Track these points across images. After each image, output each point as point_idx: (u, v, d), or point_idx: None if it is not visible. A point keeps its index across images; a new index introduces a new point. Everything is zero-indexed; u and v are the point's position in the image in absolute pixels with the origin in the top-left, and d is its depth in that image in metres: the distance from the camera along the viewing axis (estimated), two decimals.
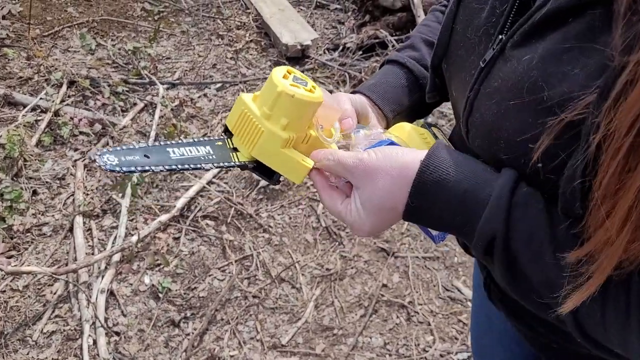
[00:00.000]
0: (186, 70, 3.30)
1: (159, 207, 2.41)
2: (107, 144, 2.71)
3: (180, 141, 0.70)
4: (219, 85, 3.18)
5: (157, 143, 0.70)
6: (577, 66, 0.50)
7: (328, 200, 0.69)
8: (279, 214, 2.45)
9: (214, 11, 3.91)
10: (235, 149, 0.71)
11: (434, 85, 0.77)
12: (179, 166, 0.68)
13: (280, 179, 0.72)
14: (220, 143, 0.71)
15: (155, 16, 3.76)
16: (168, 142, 0.70)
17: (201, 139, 0.72)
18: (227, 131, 0.72)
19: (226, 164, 0.69)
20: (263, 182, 2.56)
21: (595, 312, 0.52)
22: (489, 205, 0.56)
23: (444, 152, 0.60)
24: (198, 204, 2.45)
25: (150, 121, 2.86)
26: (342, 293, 2.14)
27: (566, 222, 0.54)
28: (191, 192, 2.45)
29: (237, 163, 0.70)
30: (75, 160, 2.61)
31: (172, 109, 2.92)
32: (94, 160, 0.65)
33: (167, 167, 0.67)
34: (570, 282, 0.52)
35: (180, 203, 2.38)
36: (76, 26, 3.51)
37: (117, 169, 0.64)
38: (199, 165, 0.69)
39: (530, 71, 0.54)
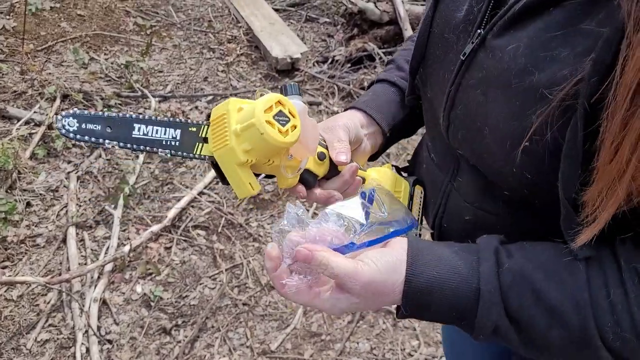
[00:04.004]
0: (178, 83, 3.36)
1: (150, 217, 2.46)
2: (100, 156, 2.76)
3: (153, 118, 0.70)
4: (210, 97, 3.25)
5: (127, 115, 0.69)
6: (566, 49, 0.54)
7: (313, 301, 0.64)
8: (268, 223, 2.50)
9: (205, 25, 3.99)
10: (205, 139, 0.71)
11: (412, 88, 0.82)
12: (134, 146, 0.68)
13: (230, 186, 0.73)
14: (193, 129, 0.72)
15: (148, 30, 3.82)
16: (139, 117, 0.69)
17: (176, 120, 0.72)
18: (208, 118, 0.72)
19: (185, 154, 0.70)
20: None
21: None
22: (481, 300, 0.58)
23: (422, 249, 0.62)
24: (189, 214, 2.50)
25: None
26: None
27: (560, 259, 0.58)
28: (182, 203, 2.50)
29: (197, 156, 0.71)
30: (69, 173, 2.66)
31: None
32: (55, 122, 0.65)
33: (121, 145, 0.67)
34: (585, 219, 0.55)
35: (171, 213, 2.43)
36: (69, 41, 3.58)
37: (71, 135, 0.65)
38: (154, 150, 0.69)
39: (518, 58, 0.58)
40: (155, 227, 2.36)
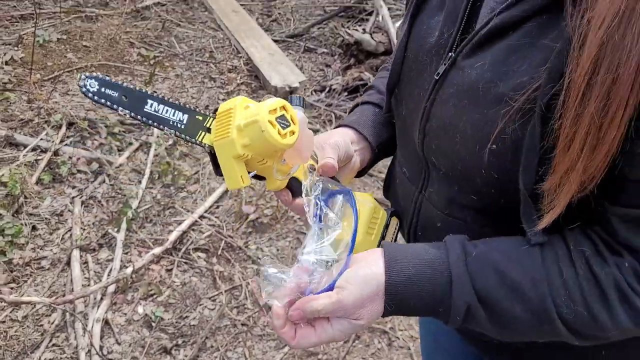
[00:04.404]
0: None
1: (152, 240, 2.54)
2: (104, 181, 2.85)
3: (165, 98, 0.76)
4: None
5: (144, 90, 0.75)
6: (524, 63, 0.64)
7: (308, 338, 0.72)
8: (267, 246, 2.57)
9: (207, 56, 4.12)
10: (208, 130, 0.78)
11: (389, 106, 0.90)
12: (144, 119, 0.74)
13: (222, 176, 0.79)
14: (200, 118, 0.78)
15: (151, 61, 3.95)
16: (153, 94, 0.76)
17: (186, 105, 0.78)
18: (215, 112, 0.78)
19: (188, 137, 0.77)
20: (252, 216, 2.69)
21: (580, 310, 0.64)
22: (453, 284, 0.67)
23: (398, 252, 0.71)
24: (190, 237, 2.57)
25: (145, 159, 3.00)
26: None
27: (519, 247, 0.67)
28: (183, 226, 2.58)
29: (199, 142, 0.78)
30: (73, 197, 2.74)
31: (166, 148, 3.07)
32: (80, 79, 0.71)
33: (133, 115, 0.74)
34: (545, 206, 0.63)
35: (173, 236, 2.50)
36: (75, 71, 3.70)
37: (90, 95, 0.71)
38: (162, 127, 0.75)
39: (484, 74, 0.68)
40: (157, 250, 2.43)
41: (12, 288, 2.27)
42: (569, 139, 0.58)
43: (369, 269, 0.71)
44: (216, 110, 0.78)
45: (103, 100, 0.73)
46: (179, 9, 4.84)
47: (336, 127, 0.97)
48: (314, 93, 3.80)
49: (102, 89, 0.73)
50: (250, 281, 2.39)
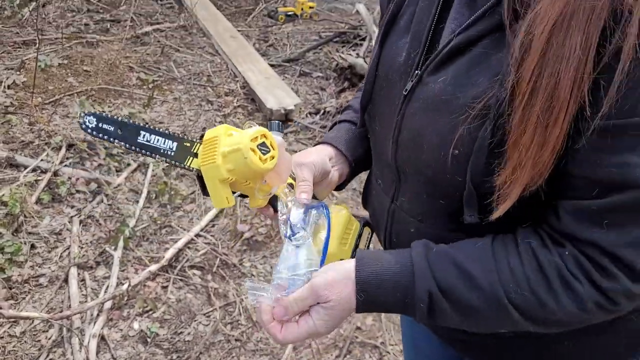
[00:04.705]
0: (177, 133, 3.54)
1: (149, 258, 2.59)
2: (102, 201, 2.91)
3: (155, 129, 0.83)
4: None
5: (136, 122, 0.82)
6: (482, 75, 0.71)
7: (298, 329, 0.80)
8: (261, 264, 2.62)
9: (204, 79, 4.22)
10: (195, 155, 0.85)
11: (363, 121, 0.97)
12: (138, 149, 0.81)
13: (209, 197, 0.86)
14: (187, 144, 0.86)
15: (150, 84, 4.05)
16: (145, 126, 0.82)
17: (174, 133, 0.85)
18: (202, 138, 0.85)
19: (177, 163, 0.84)
20: (247, 234, 2.75)
21: (529, 298, 0.70)
22: (415, 275, 0.74)
23: (368, 253, 0.80)
24: (186, 255, 2.63)
25: (143, 180, 3.07)
26: (318, 339, 2.29)
27: (474, 244, 0.75)
28: (179, 244, 2.63)
29: (187, 166, 0.85)
30: (72, 217, 2.80)
31: (163, 169, 3.14)
32: (81, 116, 0.78)
33: (127, 146, 0.81)
34: (498, 197, 0.70)
35: (169, 254, 2.56)
36: (76, 94, 3.79)
37: (89, 131, 0.78)
38: (154, 155, 0.82)
39: (447, 87, 0.75)
40: (153, 267, 2.48)
41: (10, 305, 2.31)
42: (518, 137, 0.66)
43: (340, 265, 0.79)
44: (202, 136, 0.85)
45: (101, 135, 0.81)
46: (178, 34, 4.97)
47: (316, 144, 1.04)
48: (308, 115, 3.89)
49: (100, 124, 0.81)
50: (244, 297, 2.44)
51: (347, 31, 4.97)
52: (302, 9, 5.64)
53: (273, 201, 0.92)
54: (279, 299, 0.80)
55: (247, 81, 4.09)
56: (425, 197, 0.84)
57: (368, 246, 0.99)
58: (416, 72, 0.81)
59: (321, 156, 0.97)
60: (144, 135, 0.83)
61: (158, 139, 0.84)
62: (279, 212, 0.88)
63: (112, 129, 0.82)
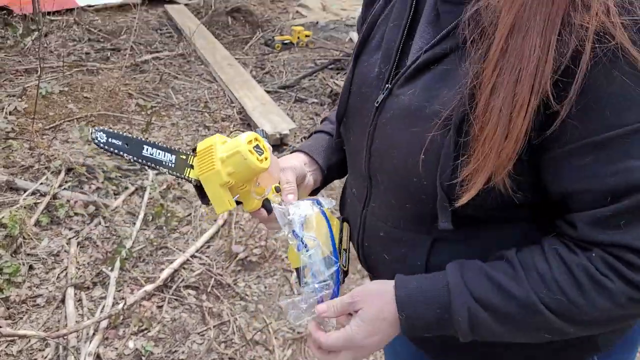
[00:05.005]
0: None
1: (145, 278, 2.63)
2: (99, 223, 2.97)
3: (157, 143, 0.90)
4: None
5: (140, 137, 0.89)
6: (446, 88, 0.78)
7: (335, 337, 0.86)
8: (255, 284, 2.67)
9: (201, 105, 4.32)
10: (191, 166, 0.91)
11: (339, 133, 1.04)
12: (144, 161, 0.88)
13: (209, 204, 0.92)
14: (184, 157, 0.92)
15: (148, 110, 4.14)
16: (147, 140, 0.90)
17: (172, 147, 0.92)
18: (194, 151, 0.92)
19: (177, 174, 0.90)
20: (241, 255, 2.80)
21: (558, 297, 0.75)
22: (451, 290, 0.78)
23: (402, 276, 0.85)
24: (181, 275, 2.67)
25: (140, 202, 3.13)
26: (311, 354, 2.33)
27: (501, 259, 0.81)
28: (175, 265, 2.68)
29: (187, 177, 0.91)
30: (70, 238, 2.85)
31: (160, 192, 3.21)
32: (92, 134, 0.85)
33: (134, 159, 0.87)
34: (463, 186, 0.76)
35: (164, 274, 2.60)
36: (76, 120, 3.88)
37: (101, 145, 0.85)
38: (157, 167, 0.89)
39: (415, 98, 0.82)
40: (149, 287, 2.53)
41: (8, 324, 2.35)
42: (483, 127, 0.72)
43: (382, 281, 0.87)
44: (194, 149, 0.92)
45: (111, 149, 0.88)
46: (176, 62, 5.09)
47: (292, 152, 1.11)
48: (303, 140, 3.97)
49: (109, 139, 0.88)
50: (238, 317, 2.47)
51: (342, 58, 5.10)
52: (298, 38, 5.78)
53: (265, 204, 0.98)
54: (319, 305, 0.89)
55: (243, 107, 4.18)
56: (394, 202, 0.90)
57: (348, 240, 1.05)
58: (387, 85, 0.89)
59: (298, 161, 1.05)
60: (147, 149, 0.90)
61: (159, 152, 0.91)
62: (286, 232, 0.94)
63: (119, 143, 0.89)
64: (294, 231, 0.93)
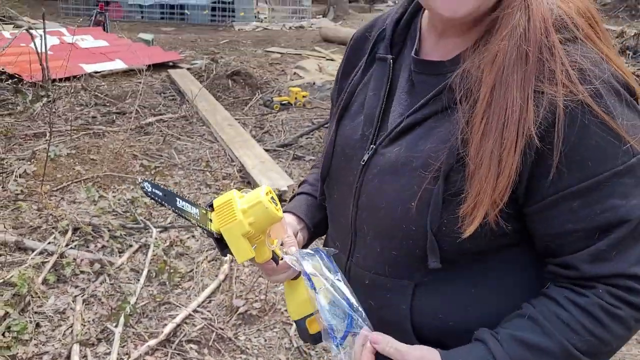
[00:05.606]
0: (176, 217, 3.75)
1: (148, 334, 2.71)
2: (105, 280, 3.07)
3: (185, 198, 1.00)
4: None
5: (173, 191, 1.00)
6: (433, 142, 0.87)
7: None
8: (255, 337, 2.74)
9: (203, 165, 4.49)
10: (210, 220, 0.96)
11: (322, 190, 1.13)
12: (178, 212, 0.97)
13: (228, 255, 1.00)
14: (204, 211, 1.00)
15: (152, 170, 4.31)
16: (180, 194, 1.00)
17: (196, 203, 1.00)
18: (211, 206, 0.97)
19: (202, 226, 0.96)
20: (242, 309, 2.89)
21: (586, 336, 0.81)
22: (492, 351, 0.83)
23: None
24: (183, 329, 2.75)
25: (144, 260, 3.24)
26: None
27: (521, 318, 0.85)
28: (177, 320, 2.76)
29: (209, 230, 0.95)
30: (76, 296, 2.94)
31: (163, 249, 3.32)
32: (140, 182, 0.95)
33: (171, 207, 0.97)
34: (464, 223, 0.83)
35: (167, 329, 2.68)
36: (82, 181, 4.03)
37: (148, 193, 0.95)
38: (188, 218, 0.97)
39: (401, 155, 0.90)
40: (152, 342, 2.60)
41: None
42: (476, 170, 0.83)
43: (429, 349, 0.90)
44: (211, 205, 1.01)
45: (155, 198, 0.98)
46: (179, 124, 5.31)
47: None
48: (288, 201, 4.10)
49: (153, 189, 0.99)
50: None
51: None
52: (295, 98, 6.03)
53: (274, 255, 1.05)
54: (365, 335, 0.92)
55: (243, 165, 4.35)
56: (379, 250, 0.98)
57: None
58: (372, 146, 0.99)
59: (290, 219, 1.15)
60: (179, 202, 1.00)
61: (188, 205, 1.00)
62: (293, 265, 1.00)
63: (160, 193, 0.99)
64: (307, 276, 0.99)
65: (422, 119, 0.92)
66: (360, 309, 0.96)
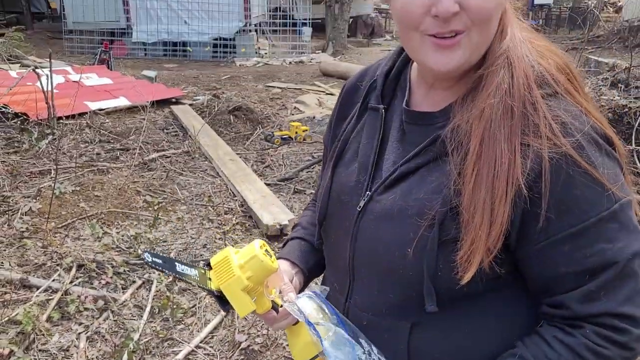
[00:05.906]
0: (180, 251, 3.80)
1: None
2: (108, 317, 3.10)
3: (183, 261, 1.05)
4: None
5: (172, 256, 1.06)
6: (427, 190, 0.91)
7: None
8: None
9: (205, 199, 4.55)
10: (209, 279, 1.00)
11: (319, 235, 1.16)
12: (179, 276, 1.04)
13: (230, 310, 1.03)
14: (202, 271, 1.02)
15: (155, 206, 4.37)
16: (178, 259, 1.05)
17: (194, 264, 1.05)
18: (208, 265, 1.00)
19: (202, 286, 1.01)
20: (244, 344, 2.91)
21: None
22: None
23: None
24: None
25: (147, 296, 3.27)
26: None
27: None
28: (180, 356, 2.78)
29: (209, 289, 1.00)
30: (79, 333, 2.97)
31: (166, 285, 3.36)
32: (142, 254, 1.05)
33: (171, 273, 1.03)
34: (461, 269, 0.87)
35: None
36: (87, 218, 4.09)
37: (149, 263, 1.02)
38: (189, 281, 1.03)
39: (396, 202, 0.93)
40: None
41: None
42: (470, 219, 0.87)
43: None
44: (208, 263, 1.02)
45: (155, 266, 1.06)
46: (181, 159, 5.40)
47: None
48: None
49: (153, 259, 1.07)
50: None
51: None
52: (296, 132, 6.13)
53: (274, 305, 1.09)
54: None
55: (245, 200, 4.41)
56: (377, 292, 1.02)
57: None
58: (367, 192, 1.04)
59: (284, 266, 1.18)
60: (178, 266, 1.06)
61: (186, 268, 1.06)
62: (294, 312, 1.03)
63: (160, 262, 1.06)
64: (310, 322, 1.02)
65: (415, 168, 0.97)
66: (371, 346, 0.99)
